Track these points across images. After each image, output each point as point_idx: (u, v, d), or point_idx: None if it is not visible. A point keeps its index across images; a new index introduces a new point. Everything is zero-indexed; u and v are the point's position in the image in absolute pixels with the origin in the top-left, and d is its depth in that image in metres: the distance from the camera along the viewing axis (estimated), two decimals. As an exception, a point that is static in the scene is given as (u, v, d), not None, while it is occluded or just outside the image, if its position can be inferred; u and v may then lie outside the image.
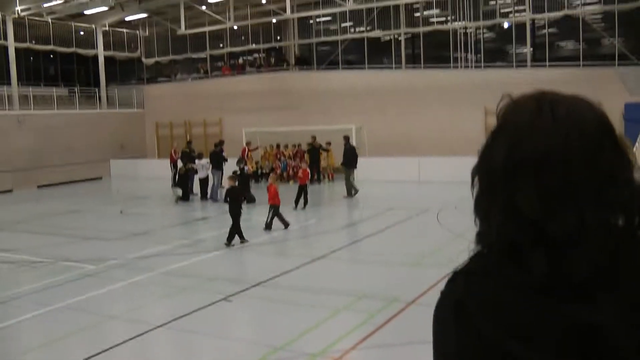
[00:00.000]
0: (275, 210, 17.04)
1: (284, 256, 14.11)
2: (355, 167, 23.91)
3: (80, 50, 38.75)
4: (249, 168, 25.26)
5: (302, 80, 34.31)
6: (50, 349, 8.89)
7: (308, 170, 21.04)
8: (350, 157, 23.98)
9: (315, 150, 28.34)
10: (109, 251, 15.45)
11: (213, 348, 8.72)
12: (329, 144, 28.42)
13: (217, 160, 24.17)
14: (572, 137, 1.23)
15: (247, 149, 28.26)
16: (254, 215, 20.24)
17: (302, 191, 20.61)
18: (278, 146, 30.62)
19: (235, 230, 15.40)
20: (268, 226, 16.99)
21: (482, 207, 1.33)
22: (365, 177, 27.62)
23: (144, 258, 14.38)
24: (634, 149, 15.36)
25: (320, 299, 10.55)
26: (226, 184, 17.42)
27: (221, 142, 25.80)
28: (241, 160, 25.25)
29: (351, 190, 23.24)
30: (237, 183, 16.78)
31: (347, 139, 24.76)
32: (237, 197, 15.87)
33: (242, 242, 15.40)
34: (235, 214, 15.43)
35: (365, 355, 8.22)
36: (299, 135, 29.48)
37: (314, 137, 28.42)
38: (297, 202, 20.47)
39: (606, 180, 1.23)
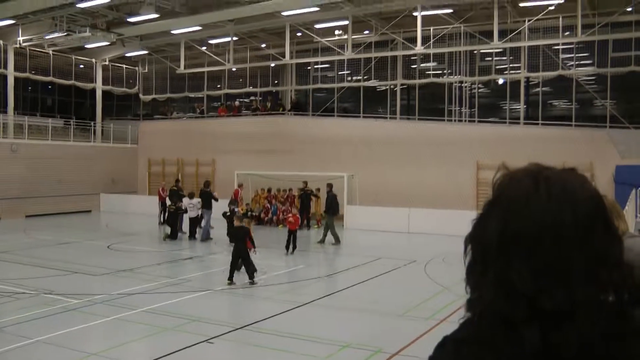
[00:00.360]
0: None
1: (269, 300, 14.00)
2: (337, 214, 23.93)
3: (79, 83, 39.03)
4: (239, 210, 25.23)
5: (297, 125, 34.51)
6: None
7: (298, 215, 20.94)
8: (333, 205, 24.05)
9: (306, 196, 28.42)
10: (93, 286, 15.32)
11: (192, 391, 8.61)
12: (318, 190, 28.51)
13: (208, 200, 24.19)
14: (567, 215, 1.26)
15: (240, 191, 28.32)
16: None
17: (292, 236, 20.47)
18: (269, 190, 30.66)
19: (250, 266, 15.85)
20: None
21: (474, 276, 1.35)
22: (355, 225, 27.69)
23: (128, 295, 14.25)
24: (624, 211, 15.45)
25: (303, 346, 10.46)
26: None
27: (207, 183, 25.86)
28: (234, 202, 25.32)
29: (338, 238, 23.22)
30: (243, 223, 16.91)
31: (330, 186, 24.85)
32: (244, 238, 16.07)
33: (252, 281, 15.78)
34: (245, 252, 15.87)
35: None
36: (290, 180, 29.56)
37: (305, 183, 28.54)
38: (287, 247, 20.37)
39: (597, 258, 1.26)
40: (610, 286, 1.27)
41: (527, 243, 1.25)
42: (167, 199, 26.64)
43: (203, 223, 24.06)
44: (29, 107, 38.77)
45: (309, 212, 28.77)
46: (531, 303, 1.23)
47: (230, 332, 11.25)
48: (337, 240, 23.14)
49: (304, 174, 29.59)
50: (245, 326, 11.61)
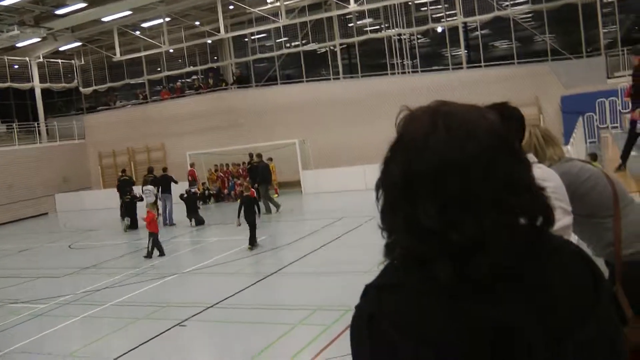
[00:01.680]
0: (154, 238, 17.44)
1: (235, 276, 14.05)
2: (270, 183, 24.18)
3: (16, 84, 37.98)
4: (196, 190, 25.14)
5: (242, 98, 34.27)
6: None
7: (253, 189, 20.42)
8: (265, 175, 24.13)
9: (253, 168, 28.31)
10: (58, 288, 15.16)
11: (170, 376, 8.66)
12: (270, 159, 28.48)
13: (168, 184, 23.94)
14: (466, 148, 1.26)
15: (194, 171, 28.22)
16: (203, 238, 20.19)
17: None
18: (227, 166, 30.52)
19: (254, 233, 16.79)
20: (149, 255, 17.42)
21: (387, 220, 1.36)
22: (312, 189, 27.79)
23: (95, 291, 14.17)
24: (571, 139, 15.75)
25: (275, 315, 10.57)
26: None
27: (151, 169, 25.67)
28: (194, 183, 25.34)
29: (278, 205, 23.42)
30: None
31: (260, 156, 24.78)
32: (252, 205, 17.17)
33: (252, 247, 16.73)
34: (253, 219, 16.82)
35: (322, 367, 8.27)
36: (243, 154, 29.48)
37: (251, 155, 28.45)
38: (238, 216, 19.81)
39: (505, 187, 1.27)
40: (520, 211, 1.29)
41: (430, 180, 1.26)
42: (117, 189, 26.42)
43: (168, 208, 23.78)
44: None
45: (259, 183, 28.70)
46: (442, 239, 1.25)
47: (201, 312, 11.29)
48: (277, 207, 23.32)
49: (255, 145, 29.48)
50: (216, 304, 11.66)
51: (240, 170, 29.90)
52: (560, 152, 4.12)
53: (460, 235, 1.24)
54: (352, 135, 30.48)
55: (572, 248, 1.44)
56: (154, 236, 17.40)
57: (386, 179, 1.36)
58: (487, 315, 1.24)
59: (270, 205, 23.45)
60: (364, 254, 14.73)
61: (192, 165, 29.00)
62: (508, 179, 1.29)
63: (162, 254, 17.40)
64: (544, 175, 3.11)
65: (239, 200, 18.28)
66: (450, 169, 1.26)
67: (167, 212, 23.80)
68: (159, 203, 23.64)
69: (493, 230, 1.24)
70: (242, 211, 17.04)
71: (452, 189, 1.25)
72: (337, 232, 17.84)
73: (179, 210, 23.41)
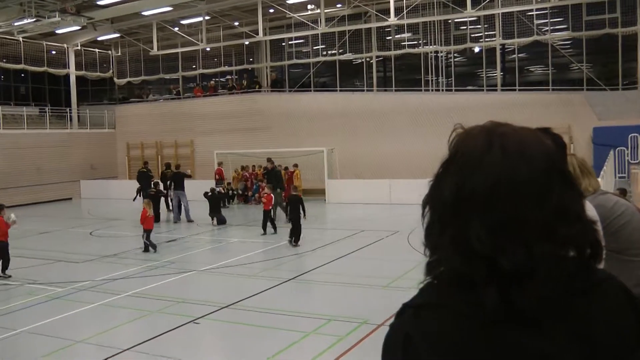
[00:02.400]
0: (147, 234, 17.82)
1: (253, 278, 14.03)
2: (283, 189, 23.45)
3: (52, 70, 38.46)
4: (220, 189, 25.23)
5: (274, 102, 34.39)
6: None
7: (272, 195, 20.34)
8: (276, 180, 23.79)
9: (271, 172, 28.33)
10: (77, 273, 15.27)
11: (180, 372, 8.64)
12: (295, 165, 28.58)
13: (181, 181, 24.08)
14: (522, 171, 1.23)
15: (222, 170, 28.38)
16: (224, 237, 20.23)
17: (267, 217, 19.91)
18: (253, 167, 30.55)
19: (299, 230, 17.90)
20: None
21: (432, 238, 1.33)
22: (336, 199, 27.75)
23: (113, 280, 14.23)
24: (602, 172, 15.58)
25: (289, 322, 10.52)
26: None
27: (169, 164, 25.81)
28: (221, 181, 25.54)
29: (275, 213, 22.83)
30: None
31: (271, 162, 24.52)
32: (298, 204, 18.36)
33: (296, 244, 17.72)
34: (296, 217, 17.96)
35: (333, 378, 8.20)
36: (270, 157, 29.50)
37: (269, 159, 28.47)
38: (264, 227, 19.83)
39: (556, 215, 1.24)
40: (570, 242, 1.25)
41: (482, 201, 1.23)
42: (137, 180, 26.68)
43: (183, 204, 23.93)
44: (2, 97, 38.27)
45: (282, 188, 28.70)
46: (489, 262, 1.21)
47: (216, 311, 11.27)
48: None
49: (283, 149, 29.60)
50: (231, 305, 11.64)
51: (256, 174, 29.85)
52: (595, 183, 4.04)
53: (508, 261, 1.21)
54: (380, 148, 30.43)
55: (616, 283, 1.39)
56: (147, 232, 17.57)
57: (436, 196, 1.34)
58: (528, 345, 1.21)
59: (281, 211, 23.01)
60: (383, 268, 14.68)
61: (220, 164, 29.13)
62: (561, 206, 1.25)
63: (154, 250, 17.55)
64: None
65: (286, 199, 19.30)
66: (504, 190, 1.23)
67: (182, 208, 23.90)
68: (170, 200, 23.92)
69: (542, 260, 1.21)
70: (288, 209, 18.39)
71: (504, 211, 1.22)
72: (358, 244, 17.77)
73: (201, 207, 23.46)
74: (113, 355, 9.14)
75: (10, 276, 14.91)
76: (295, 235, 17.78)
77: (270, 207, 19.97)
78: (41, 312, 11.68)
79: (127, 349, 9.39)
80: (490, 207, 1.23)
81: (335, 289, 12.98)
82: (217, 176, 28.60)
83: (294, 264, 15.52)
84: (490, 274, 1.21)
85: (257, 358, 8.74)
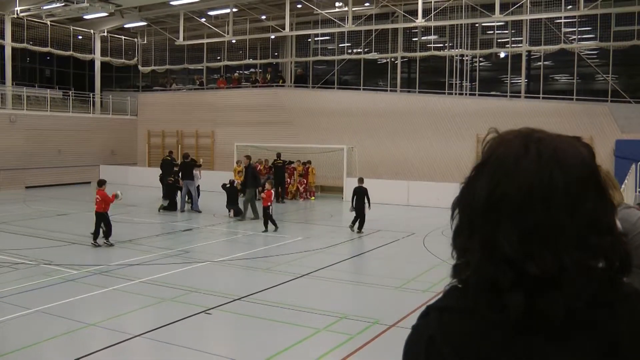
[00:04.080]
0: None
1: (266, 272, 14.04)
2: (258, 186, 22.57)
3: (77, 54, 38.69)
4: (238, 182, 25.26)
5: (297, 97, 34.41)
6: (25, 353, 8.79)
7: (272, 191, 19.95)
8: (252, 178, 22.91)
9: (279, 168, 28.32)
10: (92, 257, 15.38)
11: (190, 361, 8.66)
12: (309, 162, 28.70)
13: (190, 171, 24.14)
14: (557, 178, 1.22)
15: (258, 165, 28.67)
16: (240, 230, 20.26)
17: (266, 213, 19.56)
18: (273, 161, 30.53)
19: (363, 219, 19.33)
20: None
21: (461, 241, 1.32)
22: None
23: (127, 266, 14.31)
24: (622, 186, 15.44)
25: (301, 317, 10.51)
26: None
27: (187, 155, 25.77)
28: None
29: (245, 213, 22.36)
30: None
31: (249, 158, 24.20)
32: (363, 195, 19.34)
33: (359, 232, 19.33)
34: (362, 207, 19.24)
35: (342, 376, 8.19)
36: (290, 152, 29.58)
37: (278, 154, 28.53)
38: (265, 224, 19.57)
39: (588, 224, 1.22)
40: (600, 252, 1.24)
41: (515, 206, 1.22)
42: (160, 168, 26.80)
43: (193, 194, 24.05)
44: (27, 78, 38.61)
45: (284, 184, 28.69)
46: (518, 268, 1.20)
47: (228, 303, 11.29)
48: (257, 216, 21.96)
49: (304, 145, 29.72)
50: (244, 297, 11.66)
51: (262, 169, 29.67)
52: (619, 197, 4.00)
53: (537, 267, 1.19)
54: (400, 149, 30.37)
55: None
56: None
57: (467, 198, 1.32)
58: (552, 355, 1.20)
59: (250, 210, 22.41)
60: (397, 269, 14.64)
61: (248, 157, 29.34)
62: (593, 216, 1.24)
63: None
64: None
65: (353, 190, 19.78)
66: (538, 196, 1.22)
67: (192, 198, 24.01)
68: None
69: (571, 268, 1.20)
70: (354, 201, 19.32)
71: (537, 218, 1.21)
72: (373, 244, 17.75)
73: (218, 199, 23.53)
74: (124, 340, 9.19)
75: (112, 244, 16.65)
76: (359, 223, 19.33)
77: (269, 204, 19.42)
78: (55, 293, 11.77)
79: (138, 335, 9.43)
80: (522, 212, 1.21)
81: (348, 288, 12.97)
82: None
83: (309, 260, 15.51)
84: (518, 280, 1.20)
85: (267, 352, 8.74)
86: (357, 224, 19.53)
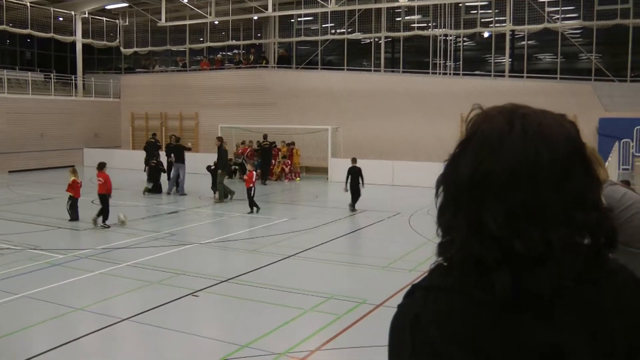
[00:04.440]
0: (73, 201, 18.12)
1: (253, 254, 14.06)
2: (229, 168, 22.77)
3: (58, 36, 38.23)
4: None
5: (281, 78, 34.26)
6: (12, 339, 8.77)
7: (253, 172, 20.08)
8: (225, 160, 23.10)
9: (265, 150, 28.35)
10: (78, 241, 15.34)
11: (178, 343, 8.67)
12: (292, 143, 28.78)
13: (181, 154, 24.06)
14: (542, 154, 1.21)
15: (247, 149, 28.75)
16: (225, 211, 20.25)
17: (249, 195, 19.54)
18: (259, 143, 30.42)
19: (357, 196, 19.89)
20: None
21: (446, 218, 1.30)
22: (339, 178, 27.72)
23: (113, 250, 14.28)
24: (606, 163, 15.55)
25: (288, 298, 10.55)
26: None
27: (177, 138, 25.69)
28: (239, 157, 25.83)
29: (227, 194, 22.40)
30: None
31: (220, 140, 24.25)
32: (357, 174, 19.76)
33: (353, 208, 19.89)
34: (355, 188, 19.75)
35: (329, 355, 8.23)
36: (274, 133, 29.58)
37: (265, 136, 28.56)
38: (250, 205, 19.53)
39: (574, 201, 1.22)
40: (586, 229, 1.23)
41: (500, 183, 1.21)
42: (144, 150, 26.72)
43: (180, 177, 23.99)
44: (7, 61, 38.19)
45: (269, 166, 28.70)
46: (504, 246, 1.19)
47: (215, 285, 11.31)
48: (227, 195, 22.29)
49: (288, 126, 29.65)
50: (231, 279, 11.68)
51: (248, 151, 29.59)
52: (605, 174, 4.03)
53: (523, 244, 1.18)
54: (385, 129, 30.37)
55: (628, 274, 1.36)
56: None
57: (451, 176, 1.31)
58: (539, 332, 1.19)
59: (226, 191, 22.53)
60: (382, 248, 14.72)
61: (243, 142, 29.51)
62: (579, 192, 1.24)
63: (72, 219, 17.74)
64: None
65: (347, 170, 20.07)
66: (523, 172, 1.20)
67: (179, 181, 23.96)
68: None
69: (558, 246, 1.19)
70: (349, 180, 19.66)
71: (522, 194, 1.20)
72: (358, 224, 17.82)
73: (203, 181, 23.48)
74: (112, 324, 9.19)
75: (109, 227, 16.94)
76: (353, 200, 19.78)
77: (251, 185, 19.42)
78: (41, 278, 11.73)
79: (126, 319, 9.43)
80: (508, 189, 1.20)
81: (335, 268, 13.02)
82: (240, 152, 28.96)
83: (295, 240, 15.54)
84: (504, 257, 1.19)
85: (255, 333, 8.77)
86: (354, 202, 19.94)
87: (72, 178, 18.10)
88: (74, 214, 17.92)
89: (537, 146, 1.22)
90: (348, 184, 19.67)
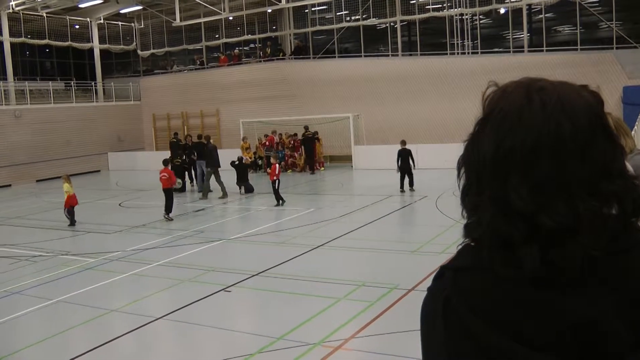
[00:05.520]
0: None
1: (282, 246, 14.09)
2: (220, 166, 22.73)
3: (76, 44, 38.58)
4: (247, 158, 25.28)
5: (299, 69, 34.23)
6: (52, 342, 8.90)
7: (277, 165, 20.00)
8: (215, 157, 22.88)
9: (308, 140, 28.44)
10: (108, 244, 15.47)
11: (213, 339, 8.73)
12: (316, 132, 28.81)
13: (202, 152, 24.10)
14: (563, 126, 1.19)
15: (274, 137, 28.84)
16: (252, 206, 20.32)
17: (272, 187, 19.63)
18: (281, 135, 30.46)
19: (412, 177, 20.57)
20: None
21: (470, 199, 1.29)
22: (363, 165, 27.72)
23: (143, 250, 14.39)
24: (632, 132, 15.34)
25: (320, 288, 10.56)
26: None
27: (200, 136, 25.84)
28: (270, 149, 25.88)
29: (208, 191, 22.59)
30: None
31: (208, 138, 23.96)
32: (407, 156, 20.44)
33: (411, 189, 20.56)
34: (408, 166, 20.40)
35: (364, 343, 8.22)
36: (296, 125, 29.60)
37: (306, 127, 28.61)
38: (276, 197, 19.60)
39: (599, 170, 1.20)
40: (613, 198, 1.20)
41: (522, 158, 1.19)
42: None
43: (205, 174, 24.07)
44: (28, 72, 38.58)
45: (314, 155, 28.81)
46: (530, 222, 1.17)
47: (247, 279, 11.36)
48: (205, 195, 22.50)
49: (309, 117, 29.60)
50: (261, 272, 11.71)
51: (293, 142, 29.84)
52: (632, 143, 3.96)
53: (550, 218, 1.16)
54: (406, 113, 30.23)
55: None
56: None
57: (472, 156, 1.29)
58: (571, 306, 1.17)
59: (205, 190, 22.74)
60: (411, 233, 14.69)
61: (273, 132, 29.58)
62: (603, 162, 1.21)
63: (71, 224, 18.28)
64: None
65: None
66: (546, 146, 1.19)
67: (203, 178, 24.03)
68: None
69: (586, 217, 1.16)
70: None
71: (546, 168, 1.18)
72: (385, 210, 17.74)
73: (227, 177, 23.55)
74: (146, 324, 9.27)
75: (172, 219, 18.17)
76: (410, 181, 20.48)
77: (275, 178, 19.40)
78: (75, 283, 11.88)
79: (160, 317, 9.51)
80: (530, 164, 1.19)
81: (364, 255, 13.00)
82: (267, 143, 28.99)
83: (323, 230, 15.54)
84: (531, 233, 1.17)
85: (288, 324, 8.79)
86: (405, 184, 20.57)
87: (68, 193, 18.43)
88: (72, 220, 18.33)
89: (557, 118, 1.20)
90: (398, 166, 20.30)
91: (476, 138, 1.29)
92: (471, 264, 1.28)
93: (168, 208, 18.27)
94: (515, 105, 1.24)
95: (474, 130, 1.31)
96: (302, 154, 29.35)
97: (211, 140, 23.92)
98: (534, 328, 1.17)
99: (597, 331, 1.15)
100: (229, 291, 10.70)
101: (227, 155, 24.93)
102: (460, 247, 1.34)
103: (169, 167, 19.09)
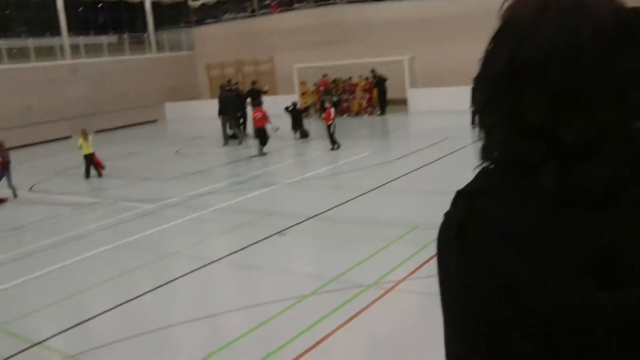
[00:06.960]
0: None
1: (337, 189, 14.09)
2: (234, 114, 23.21)
3: (127, -2, 38.83)
4: (301, 103, 25.20)
5: (352, 12, 33.71)
6: (116, 282, 9.17)
7: (331, 109, 19.92)
8: (225, 104, 23.15)
9: (379, 81, 28.18)
10: (165, 190, 15.71)
11: (270, 280, 8.85)
12: (381, 75, 28.41)
13: (257, 97, 24.10)
14: (582, 32, 1.07)
15: (327, 80, 29.06)
16: (307, 150, 20.34)
17: (327, 131, 19.57)
18: (334, 81, 30.19)
19: None
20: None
21: (486, 119, 1.20)
22: (418, 108, 27.41)
23: (200, 196, 14.58)
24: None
25: (374, 230, 10.54)
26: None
27: (229, 82, 25.90)
28: (327, 93, 25.78)
29: (229, 138, 23.19)
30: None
31: (223, 86, 23.75)
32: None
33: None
34: None
35: (417, 284, 8.17)
36: (350, 69, 29.32)
37: (373, 70, 28.30)
38: (331, 142, 19.55)
39: (625, 79, 1.07)
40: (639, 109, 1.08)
41: (540, 68, 1.08)
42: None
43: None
44: (81, 27, 39.03)
45: (385, 97, 28.52)
46: (549, 138, 1.07)
47: (302, 222, 11.40)
48: (227, 141, 23.15)
49: (364, 60, 29.23)
50: (316, 215, 11.74)
51: (364, 85, 29.42)
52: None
53: (571, 133, 1.05)
54: (462, 54, 29.38)
55: None
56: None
57: (487, 72, 1.19)
58: (590, 229, 1.05)
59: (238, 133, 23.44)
60: (466, 175, 14.39)
61: (325, 75, 29.39)
62: (630, 69, 1.07)
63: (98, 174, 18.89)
64: None
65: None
66: (564, 54, 1.07)
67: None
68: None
69: (610, 130, 1.05)
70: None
71: (565, 78, 1.07)
72: (441, 152, 17.52)
73: (282, 122, 23.59)
74: (204, 266, 9.44)
75: (266, 153, 19.52)
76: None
77: (331, 122, 19.32)
78: (135, 227, 12.16)
79: (217, 260, 9.67)
80: (549, 74, 1.08)
81: (419, 198, 12.89)
82: (321, 87, 28.84)
83: (378, 173, 15.45)
84: (550, 152, 1.07)
85: (342, 266, 8.81)
86: None
87: (91, 151, 19.04)
88: (88, 174, 18.82)
89: (576, 23, 1.08)
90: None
91: (490, 53, 1.20)
92: (486, 187, 1.20)
93: (263, 143, 19.58)
94: (530, 12, 1.13)
95: (488, 46, 1.22)
96: (355, 97, 29.10)
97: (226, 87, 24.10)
98: (551, 252, 1.07)
99: (618, 252, 1.04)
100: (285, 234, 10.77)
101: (283, 102, 24.89)
102: (476, 170, 1.25)
103: (261, 108, 20.31)
